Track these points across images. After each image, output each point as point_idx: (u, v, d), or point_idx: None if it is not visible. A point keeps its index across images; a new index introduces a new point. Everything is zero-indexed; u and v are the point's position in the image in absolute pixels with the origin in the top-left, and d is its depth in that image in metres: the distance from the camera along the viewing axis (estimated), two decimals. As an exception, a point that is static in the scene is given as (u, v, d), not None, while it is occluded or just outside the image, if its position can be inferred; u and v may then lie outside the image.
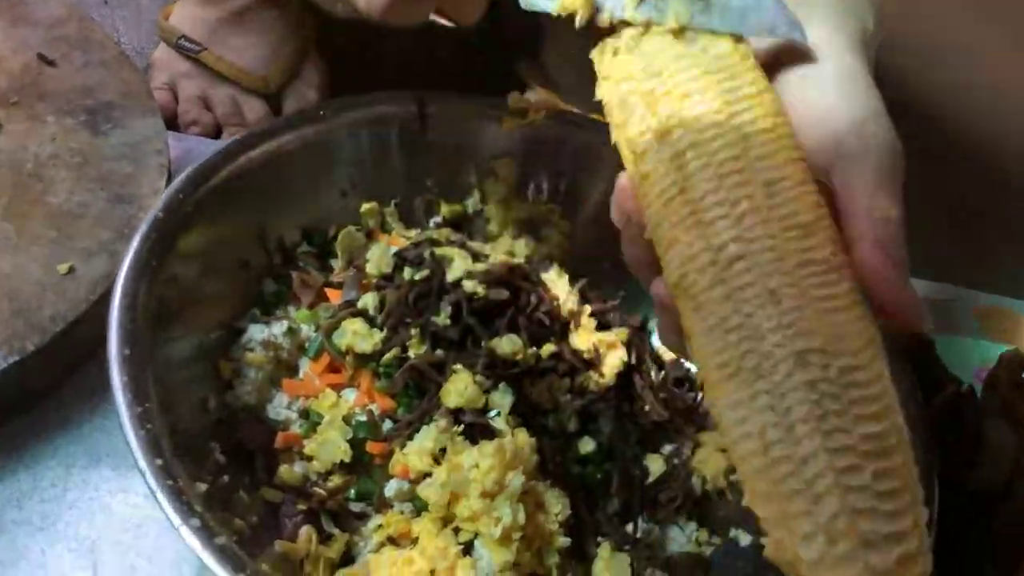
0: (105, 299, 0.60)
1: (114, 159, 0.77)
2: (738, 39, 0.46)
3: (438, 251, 0.68)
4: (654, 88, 0.46)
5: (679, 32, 0.47)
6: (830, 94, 0.46)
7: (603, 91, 0.48)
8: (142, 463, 0.51)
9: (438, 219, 0.76)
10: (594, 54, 0.48)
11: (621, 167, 0.48)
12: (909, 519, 0.41)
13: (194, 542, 0.49)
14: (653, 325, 0.74)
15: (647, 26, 0.47)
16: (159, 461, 0.51)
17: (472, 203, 0.77)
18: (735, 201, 0.43)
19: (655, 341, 0.73)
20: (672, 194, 0.44)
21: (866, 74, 0.47)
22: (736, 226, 0.43)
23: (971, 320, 0.83)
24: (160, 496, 0.50)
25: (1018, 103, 0.85)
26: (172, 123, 0.91)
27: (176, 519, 0.49)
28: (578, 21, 0.49)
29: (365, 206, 0.73)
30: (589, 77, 0.49)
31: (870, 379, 0.42)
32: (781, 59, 0.47)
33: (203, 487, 0.53)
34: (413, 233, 0.74)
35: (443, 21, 0.65)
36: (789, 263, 0.42)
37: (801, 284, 0.42)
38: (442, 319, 0.65)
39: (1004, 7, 0.82)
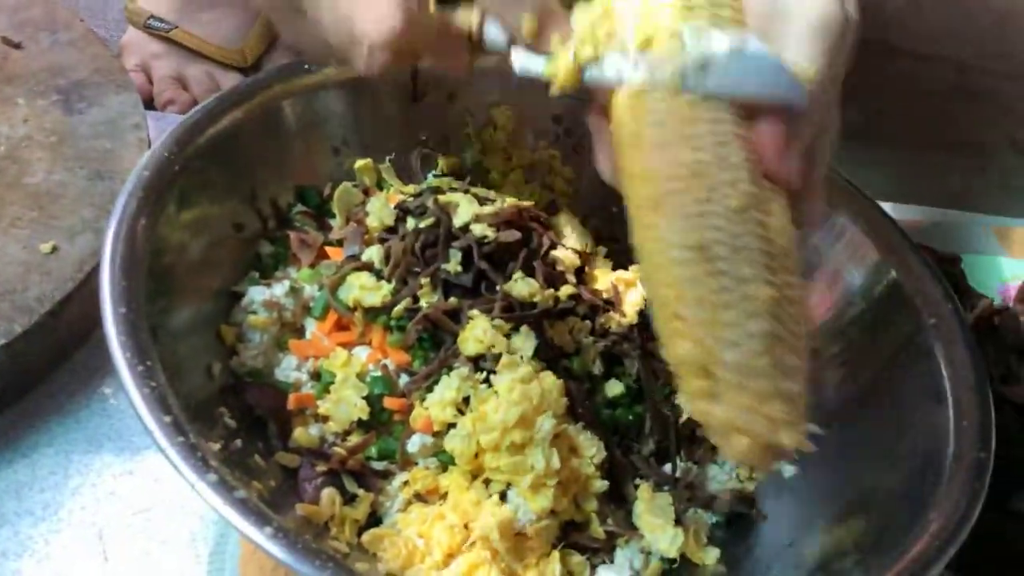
0: (93, 278, 0.56)
1: (91, 137, 0.74)
2: None
3: (442, 198, 0.64)
4: None
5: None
6: None
7: None
8: (149, 421, 0.46)
9: (436, 172, 0.72)
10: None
11: None
12: (805, 363, 0.45)
13: (213, 498, 0.45)
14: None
15: None
16: (167, 418, 0.47)
17: (471, 155, 0.74)
18: None
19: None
20: None
21: None
22: None
23: (991, 239, 0.81)
24: (171, 453, 0.45)
25: None
26: (149, 105, 0.88)
27: (191, 475, 0.45)
28: (556, 87, 0.51)
29: (359, 163, 0.70)
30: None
31: (788, 247, 0.46)
32: None
33: (216, 446, 0.49)
34: (411, 189, 0.70)
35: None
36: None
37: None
38: (452, 266, 0.61)
39: None
